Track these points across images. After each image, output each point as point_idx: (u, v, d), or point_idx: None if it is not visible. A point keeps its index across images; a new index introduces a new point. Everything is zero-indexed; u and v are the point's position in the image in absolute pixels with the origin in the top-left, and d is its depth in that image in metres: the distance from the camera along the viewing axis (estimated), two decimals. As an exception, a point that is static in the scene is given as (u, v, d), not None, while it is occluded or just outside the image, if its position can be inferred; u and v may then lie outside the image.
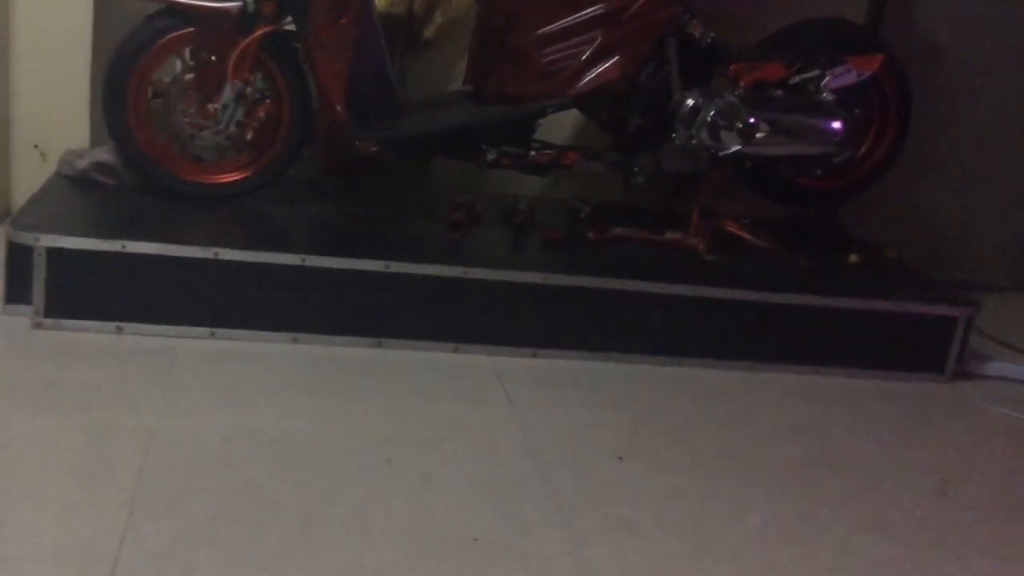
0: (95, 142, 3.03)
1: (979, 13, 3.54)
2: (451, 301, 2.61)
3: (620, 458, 2.22)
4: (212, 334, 2.49)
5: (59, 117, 3.05)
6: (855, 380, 2.83)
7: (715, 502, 2.11)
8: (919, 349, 2.90)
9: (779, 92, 3.04)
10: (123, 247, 2.44)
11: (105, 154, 2.88)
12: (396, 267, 2.55)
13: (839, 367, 2.84)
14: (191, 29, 2.68)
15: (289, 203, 2.93)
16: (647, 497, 2.08)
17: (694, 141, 2.95)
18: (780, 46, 3.18)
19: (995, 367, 2.99)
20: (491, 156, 2.89)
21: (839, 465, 2.36)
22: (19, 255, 2.43)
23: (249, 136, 2.77)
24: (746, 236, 3.10)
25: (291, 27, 2.71)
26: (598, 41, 2.85)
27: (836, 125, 3.03)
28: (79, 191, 2.82)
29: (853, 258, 3.16)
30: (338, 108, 2.70)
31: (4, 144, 3.04)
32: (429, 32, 3.23)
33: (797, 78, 3.07)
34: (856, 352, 2.86)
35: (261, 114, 2.76)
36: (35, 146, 3.07)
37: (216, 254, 2.48)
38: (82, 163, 2.87)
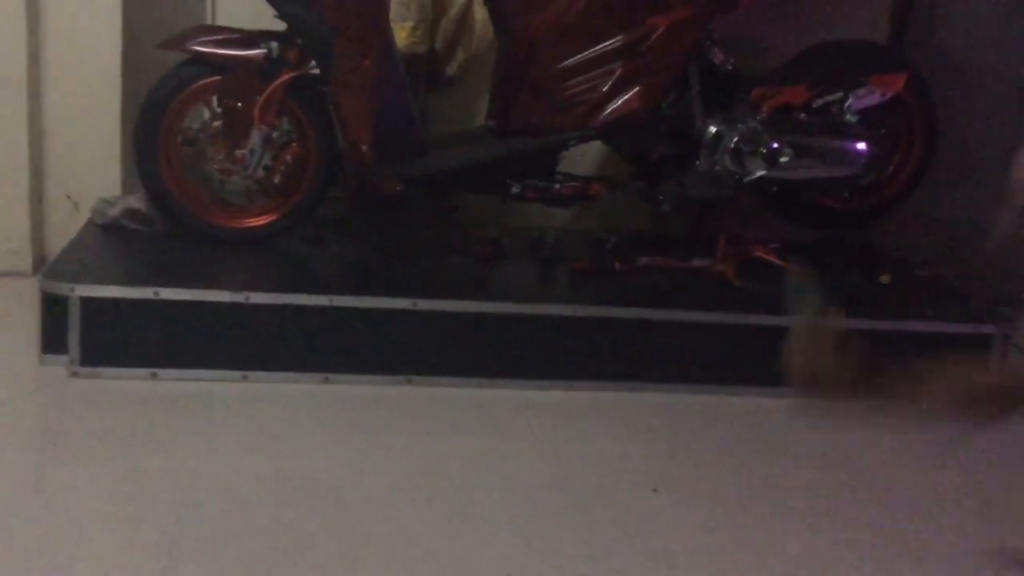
0: (127, 190, 3.08)
1: (1002, 31, 3.52)
2: (480, 336, 2.62)
3: (655, 490, 2.21)
4: (244, 377, 2.51)
5: (91, 166, 3.11)
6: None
7: (752, 532, 2.08)
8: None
9: (802, 115, 3.03)
10: (156, 294, 2.47)
11: (137, 202, 2.92)
12: (424, 304, 2.57)
13: (874, 390, 2.80)
14: (218, 77, 2.72)
15: (317, 244, 2.96)
16: (683, 529, 2.07)
17: (718, 167, 2.94)
18: (802, 69, 3.17)
19: (1033, 384, 2.93)
20: (516, 190, 2.91)
21: (876, 490, 2.32)
22: (55, 305, 2.47)
23: (277, 179, 2.81)
24: (774, 260, 3.08)
25: (315, 71, 2.75)
26: (619, 72, 2.86)
27: (861, 146, 3.02)
28: (112, 239, 2.86)
29: (884, 278, 3.13)
30: (363, 148, 2.73)
31: (37, 194, 3.10)
32: (451, 69, 3.26)
33: (820, 101, 3.06)
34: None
35: (288, 157, 2.80)
36: (68, 196, 3.13)
37: (247, 298, 2.51)
38: (114, 211, 2.92)
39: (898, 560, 2.03)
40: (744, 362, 2.74)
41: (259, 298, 2.51)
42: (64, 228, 3.04)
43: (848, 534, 2.11)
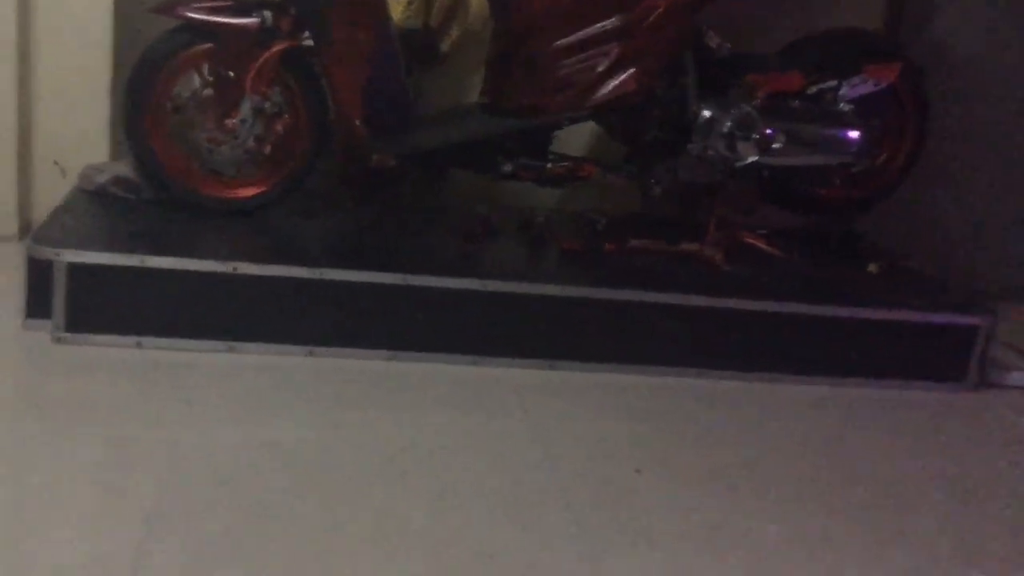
0: (115, 157, 3.06)
1: (998, 21, 3.52)
2: (468, 313, 2.61)
3: (638, 471, 2.21)
4: (230, 348, 2.50)
5: (79, 132, 3.08)
6: (875, 390, 2.81)
7: (735, 515, 2.09)
8: (940, 359, 2.87)
9: (796, 103, 3.03)
10: (142, 262, 2.45)
11: (125, 169, 2.90)
12: (413, 279, 2.56)
13: (859, 377, 2.82)
14: (210, 45, 2.70)
15: (307, 216, 2.95)
16: (666, 510, 2.07)
17: (711, 152, 2.94)
18: (797, 56, 3.17)
19: (1017, 377, 2.96)
20: (507, 168, 2.90)
21: (860, 476, 2.34)
22: (40, 270, 2.45)
23: (267, 150, 2.79)
24: (763, 246, 3.09)
25: (309, 42, 2.73)
26: (615, 53, 2.85)
27: (853, 135, 3.02)
28: (99, 206, 2.84)
29: (872, 267, 3.14)
30: (355, 122, 2.71)
31: (25, 160, 3.07)
32: (446, 45, 3.24)
33: (814, 88, 3.06)
34: (876, 362, 2.84)
35: (279, 128, 2.78)
36: (55, 162, 3.10)
37: (234, 268, 2.49)
38: (102, 178, 2.90)
39: (878, 546, 2.04)
40: (729, 346, 2.75)
41: (246, 268, 2.50)
42: (51, 194, 3.00)
43: (829, 518, 2.13)
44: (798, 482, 2.27)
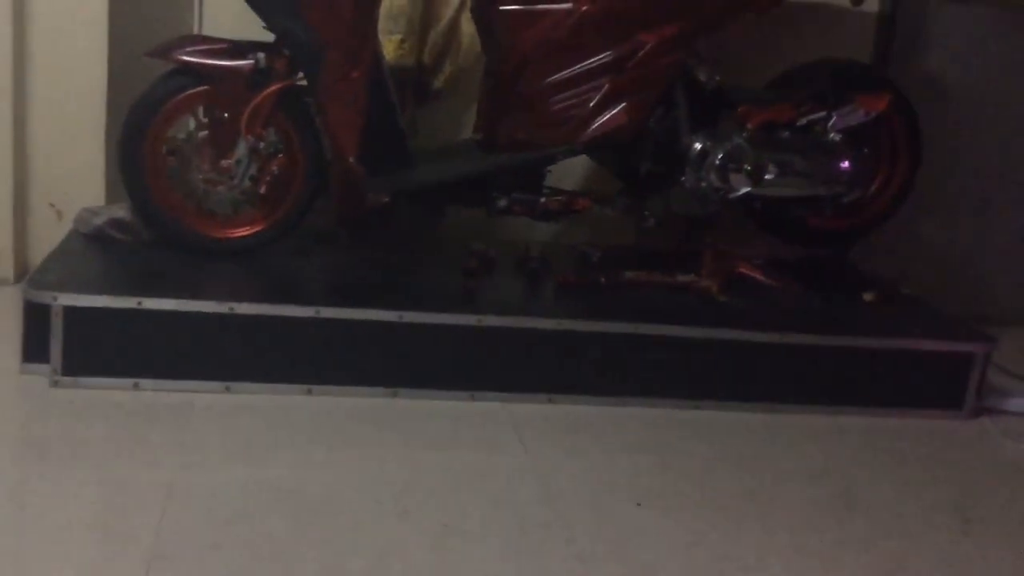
0: (111, 199, 3.07)
1: (987, 50, 3.56)
2: (465, 349, 2.62)
3: (639, 504, 2.21)
4: (227, 388, 2.50)
5: (75, 175, 3.09)
6: (874, 419, 2.81)
7: (737, 547, 2.09)
8: (937, 386, 2.88)
9: (787, 133, 3.06)
10: (139, 304, 2.46)
11: (121, 211, 2.91)
12: (410, 317, 2.56)
13: (857, 406, 2.82)
14: (205, 87, 2.72)
15: (303, 255, 2.96)
16: (668, 543, 2.07)
17: (703, 184, 2.96)
18: (787, 87, 3.21)
19: (1015, 403, 2.96)
20: (502, 203, 2.92)
21: (861, 506, 2.33)
22: (36, 314, 2.45)
23: (263, 190, 2.80)
24: (759, 277, 3.10)
25: (303, 82, 2.75)
26: (606, 88, 2.88)
27: (844, 165, 3.05)
28: (95, 249, 2.84)
29: (868, 296, 3.15)
30: (350, 160, 2.73)
31: (21, 203, 3.08)
32: (439, 82, 3.27)
33: (804, 119, 3.09)
34: (874, 391, 2.84)
35: (274, 168, 2.79)
36: (51, 204, 3.11)
37: (231, 308, 2.49)
38: (98, 220, 2.90)
39: (880, 574, 2.04)
40: (728, 377, 2.75)
41: (243, 308, 2.50)
42: (47, 237, 3.01)
43: (833, 550, 2.12)
44: (799, 513, 2.26)
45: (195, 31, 3.28)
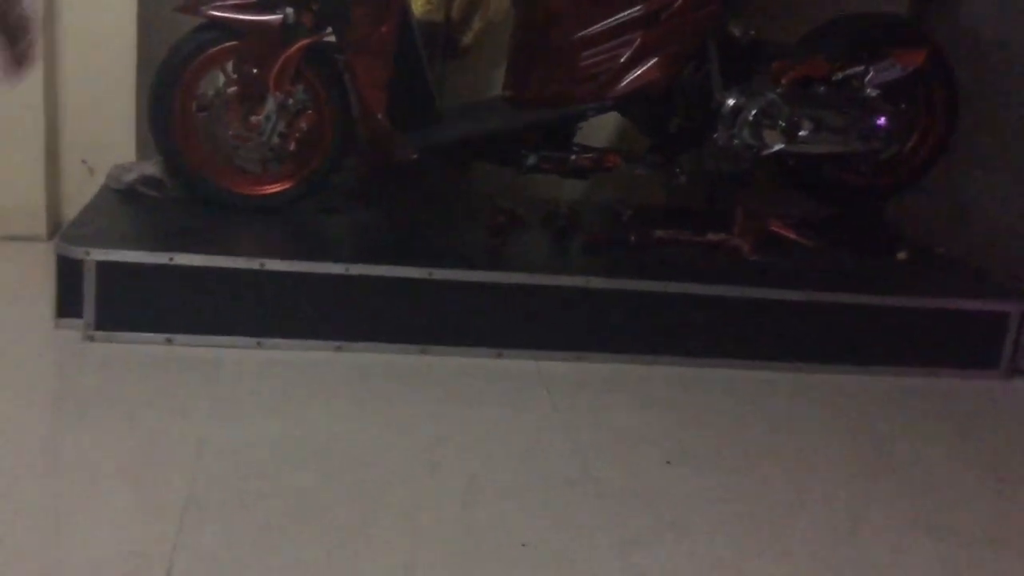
0: (142, 156, 3.08)
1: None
2: (494, 306, 2.61)
3: (668, 462, 2.20)
4: (259, 344, 2.51)
5: (106, 132, 3.11)
6: (906, 379, 2.78)
7: (765, 504, 2.08)
8: (972, 346, 2.84)
9: (822, 89, 3.00)
10: (171, 259, 2.47)
11: (152, 167, 2.92)
12: (439, 274, 2.56)
13: (890, 366, 2.79)
14: (234, 43, 2.71)
15: (333, 212, 2.96)
16: (696, 500, 2.07)
17: (736, 141, 2.92)
18: (822, 42, 3.14)
19: (1051, 363, 2.92)
20: (531, 161, 2.90)
21: (892, 465, 2.32)
22: (70, 269, 2.47)
23: (292, 147, 2.80)
24: (791, 235, 3.07)
25: (331, 38, 2.73)
26: (637, 43, 2.84)
27: (881, 121, 2.99)
28: (127, 205, 2.86)
29: (901, 255, 3.11)
30: (379, 116, 2.72)
31: (53, 160, 3.10)
32: (467, 38, 3.24)
33: (840, 74, 3.03)
34: (907, 350, 2.81)
35: (303, 125, 2.79)
36: (83, 161, 3.13)
37: (262, 264, 2.50)
38: (129, 177, 2.92)
39: (913, 534, 2.03)
40: (759, 336, 2.73)
41: (274, 265, 2.51)
42: (80, 194, 3.04)
43: (863, 507, 2.11)
44: (829, 472, 2.25)
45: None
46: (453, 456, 2.14)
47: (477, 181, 3.32)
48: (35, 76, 2.97)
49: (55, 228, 3.06)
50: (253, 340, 2.51)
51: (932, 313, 2.81)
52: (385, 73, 2.70)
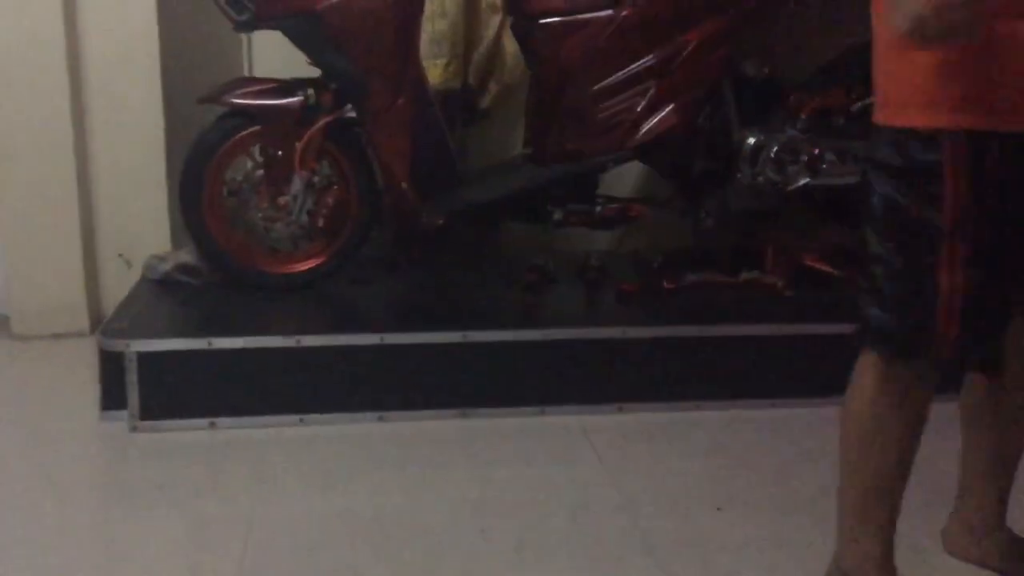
0: (176, 245, 3.14)
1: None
2: (532, 364, 2.61)
3: (719, 508, 2.17)
4: (300, 420, 2.53)
5: (141, 224, 3.17)
6: (953, 404, 2.72)
7: (821, 546, 2.03)
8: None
9: (841, 119, 2.99)
10: (209, 344, 2.50)
11: (187, 255, 2.97)
12: (474, 336, 2.57)
13: (942, 393, 2.72)
14: (257, 128, 2.77)
15: (364, 283, 2.98)
16: (750, 546, 2.03)
17: (760, 178, 2.91)
18: (839, 72, 3.14)
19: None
20: (558, 216, 2.91)
21: (948, 494, 2.26)
22: (112, 362, 2.51)
23: (320, 223, 2.84)
24: (826, 268, 3.04)
25: (351, 113, 2.78)
26: (652, 91, 2.85)
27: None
28: (164, 294, 2.91)
29: (940, 279, 3.06)
30: (403, 185, 2.75)
31: (91, 257, 3.17)
32: (486, 102, 3.28)
33: (859, 104, 3.02)
34: (954, 377, 2.75)
35: (330, 200, 2.84)
36: (120, 255, 3.19)
37: (298, 341, 2.53)
38: (165, 266, 2.97)
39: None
40: (801, 373, 2.69)
41: (310, 340, 2.53)
42: (118, 286, 3.09)
43: (923, 540, 2.05)
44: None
45: (245, 73, 3.35)
46: (501, 519, 2.12)
47: (506, 240, 3.33)
48: (68, 176, 3.04)
49: (96, 322, 3.11)
50: (295, 417, 2.53)
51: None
52: (406, 143, 2.75)
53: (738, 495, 2.23)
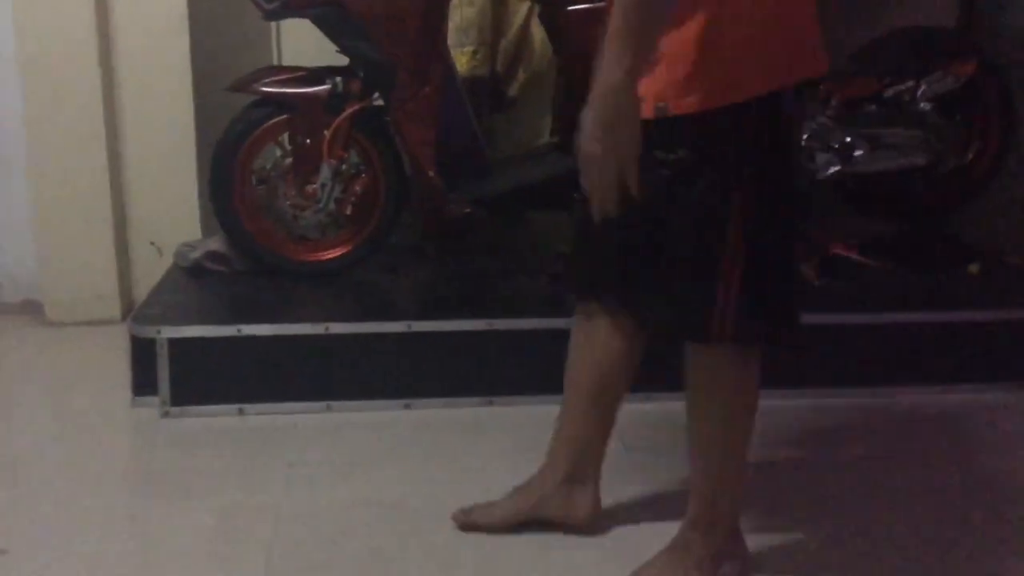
0: (206, 233, 3.17)
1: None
2: (557, 352, 2.59)
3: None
4: (328, 407, 2.54)
5: (171, 213, 3.20)
6: (987, 395, 2.69)
7: (862, 543, 2.02)
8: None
9: (872, 107, 2.96)
10: (239, 331, 2.52)
11: (216, 243, 3.00)
12: (500, 324, 2.57)
13: (969, 383, 2.70)
14: (285, 116, 2.78)
15: (392, 271, 2.99)
16: (777, 539, 2.02)
17: (790, 166, 2.89)
18: (870, 59, 3.11)
19: None
20: (584, 204, 2.89)
21: (989, 487, 2.23)
22: (143, 349, 2.54)
23: (348, 211, 2.86)
24: (856, 256, 3.01)
25: (379, 102, 2.79)
26: (680, 76, 2.83)
27: (939, 134, 2.94)
28: (194, 281, 2.94)
29: (973, 268, 3.03)
30: (430, 173, 2.75)
31: (123, 245, 3.21)
32: (513, 90, 3.28)
33: (891, 91, 2.99)
34: (986, 366, 2.72)
35: (358, 188, 2.85)
36: (151, 243, 3.23)
37: (327, 328, 2.54)
38: (195, 254, 3.00)
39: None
40: (831, 363, 2.66)
41: (338, 328, 2.55)
42: (150, 274, 3.13)
43: (963, 535, 2.03)
44: (929, 493, 2.18)
45: (274, 62, 3.37)
46: (527, 507, 2.12)
47: (533, 229, 3.33)
48: (99, 166, 3.08)
49: (128, 309, 3.15)
50: (322, 404, 2.55)
51: (1011, 325, 2.72)
52: (433, 131, 2.75)
53: (761, 486, 2.22)
